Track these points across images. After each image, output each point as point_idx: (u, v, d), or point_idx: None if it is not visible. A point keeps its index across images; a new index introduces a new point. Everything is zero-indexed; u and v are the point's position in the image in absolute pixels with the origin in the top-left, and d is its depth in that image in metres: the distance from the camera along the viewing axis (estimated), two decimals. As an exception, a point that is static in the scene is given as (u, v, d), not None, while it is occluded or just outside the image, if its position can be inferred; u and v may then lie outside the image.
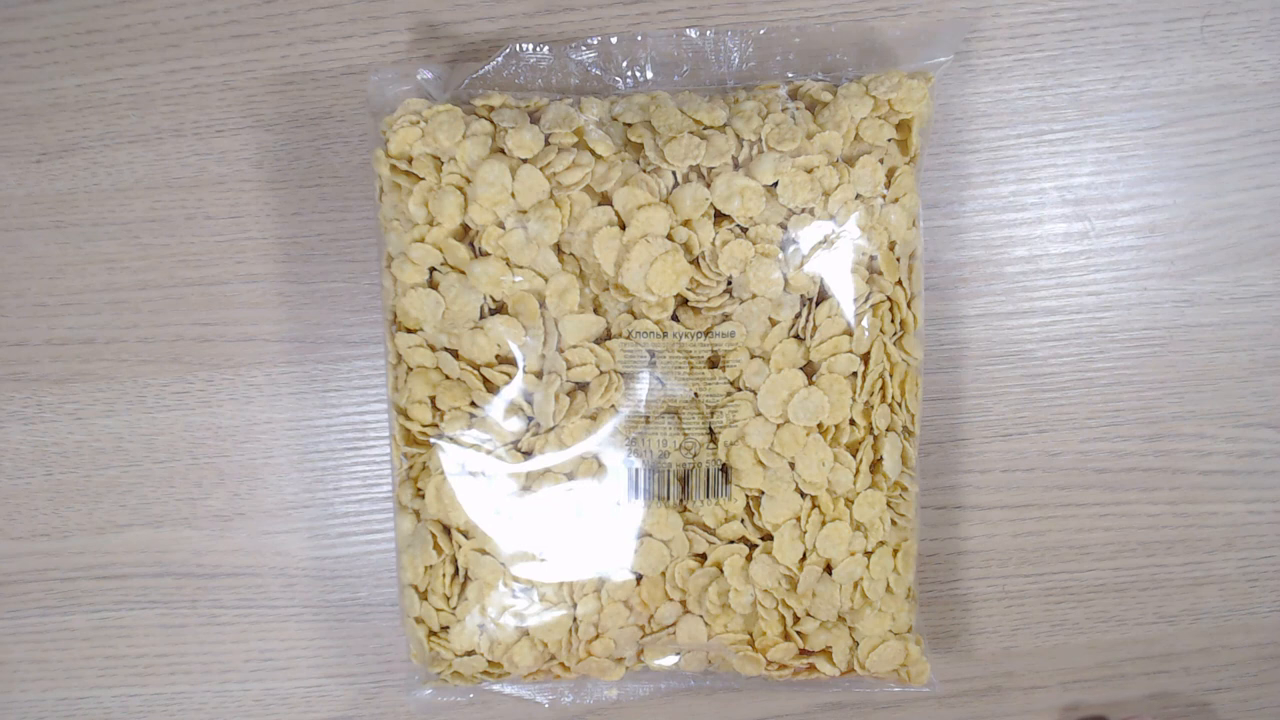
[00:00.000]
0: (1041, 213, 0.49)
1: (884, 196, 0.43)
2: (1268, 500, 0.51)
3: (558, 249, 0.42)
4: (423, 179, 0.42)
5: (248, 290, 0.49)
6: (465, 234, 0.42)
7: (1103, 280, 0.49)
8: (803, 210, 0.42)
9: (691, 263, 0.42)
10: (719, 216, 0.42)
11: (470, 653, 0.45)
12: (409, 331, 0.43)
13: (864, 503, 0.44)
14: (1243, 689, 0.51)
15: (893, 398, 0.44)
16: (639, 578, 0.44)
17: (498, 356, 0.42)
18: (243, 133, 0.48)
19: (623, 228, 0.42)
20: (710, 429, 0.43)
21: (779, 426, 0.43)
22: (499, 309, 0.42)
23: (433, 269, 0.42)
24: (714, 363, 0.43)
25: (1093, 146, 0.49)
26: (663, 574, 0.44)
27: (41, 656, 0.51)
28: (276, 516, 0.50)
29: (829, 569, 0.44)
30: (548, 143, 0.41)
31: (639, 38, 0.45)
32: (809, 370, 0.43)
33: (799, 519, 0.43)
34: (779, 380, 0.42)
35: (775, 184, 0.42)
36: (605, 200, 0.42)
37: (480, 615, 0.44)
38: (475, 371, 0.42)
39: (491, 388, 0.42)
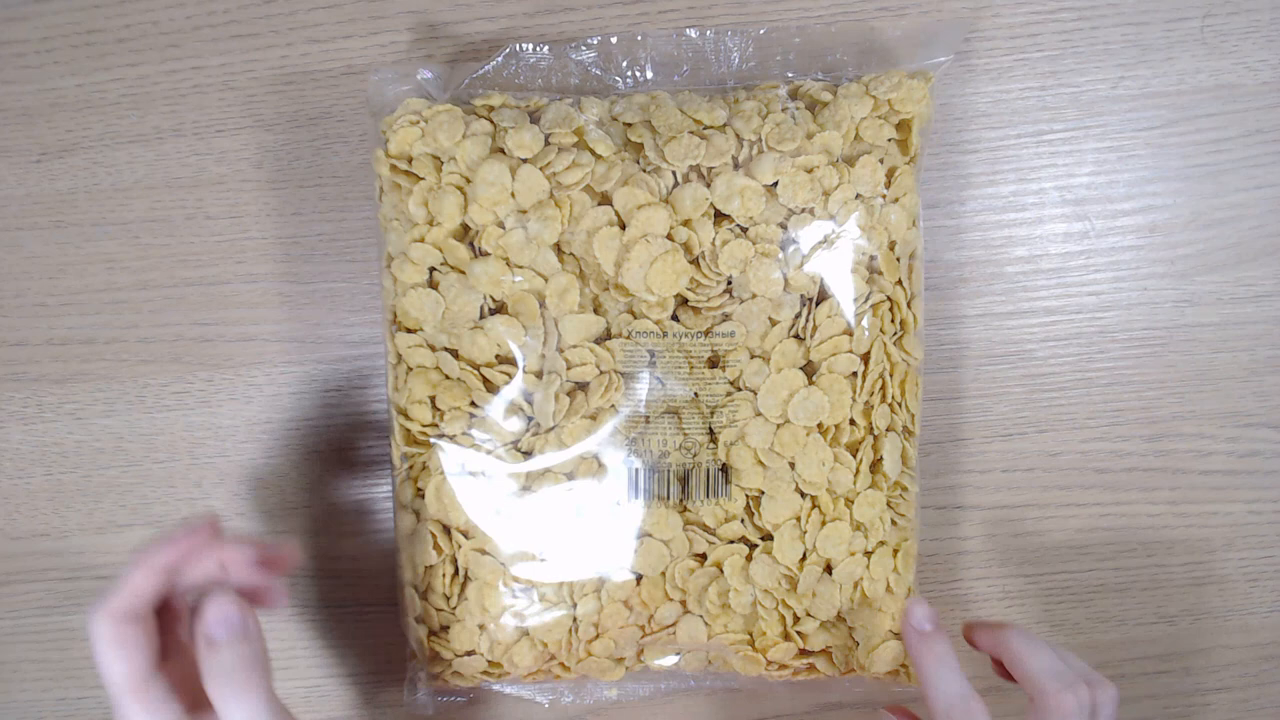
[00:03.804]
0: (1041, 213, 0.49)
1: (884, 196, 0.43)
2: (1268, 500, 0.51)
3: (558, 249, 0.42)
4: (423, 179, 0.42)
5: (248, 290, 0.49)
6: (465, 234, 0.42)
7: (1103, 280, 0.49)
8: (803, 210, 0.42)
9: (691, 263, 0.42)
10: (719, 216, 0.42)
11: (470, 653, 0.45)
12: (409, 331, 0.43)
13: (864, 503, 0.44)
14: (1243, 689, 0.51)
15: (893, 398, 0.44)
16: (639, 578, 0.44)
17: (498, 356, 0.42)
18: (243, 133, 0.48)
19: (623, 228, 0.42)
20: (710, 429, 0.43)
21: (779, 426, 0.43)
22: (499, 309, 0.42)
23: (433, 269, 0.42)
24: (714, 363, 0.43)
25: (1093, 146, 0.49)
26: (663, 574, 0.44)
27: (41, 656, 0.51)
28: (276, 516, 0.50)
29: (829, 569, 0.44)
30: (548, 143, 0.41)
31: (639, 38, 0.45)
32: (809, 370, 0.43)
33: (799, 519, 0.43)
34: (779, 380, 0.42)
35: (775, 184, 0.42)
36: (605, 200, 0.42)
37: (480, 615, 0.44)
38: (475, 371, 0.42)
39: (491, 388, 0.42)
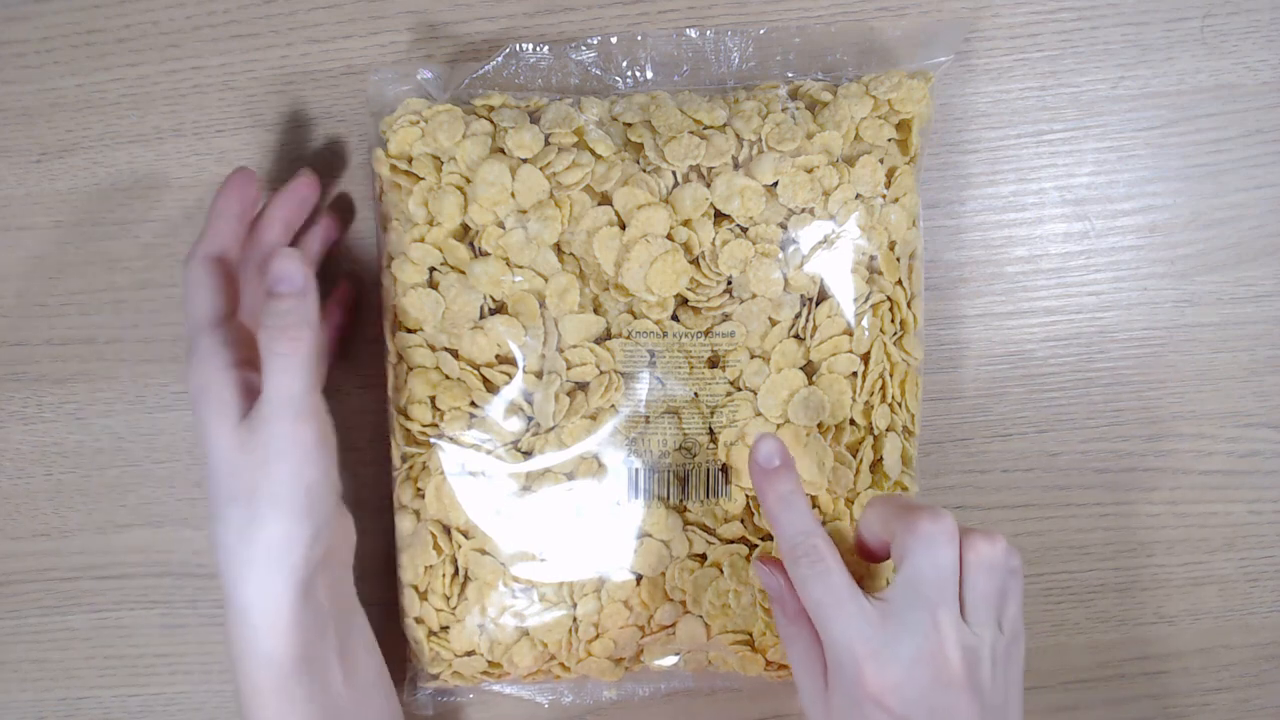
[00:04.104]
0: (1041, 213, 0.49)
1: (884, 196, 0.43)
2: (1268, 500, 0.51)
3: (558, 249, 0.42)
4: (423, 179, 0.42)
5: (248, 290, 0.49)
6: (465, 234, 0.42)
7: (1103, 280, 0.49)
8: (803, 210, 0.42)
9: (691, 263, 0.42)
10: (719, 216, 0.42)
11: (470, 653, 0.45)
12: (409, 331, 0.43)
13: (864, 502, 0.44)
14: (1243, 689, 0.51)
15: (893, 398, 0.44)
16: (639, 578, 0.44)
17: (498, 356, 0.43)
18: (243, 133, 0.48)
19: (623, 228, 0.42)
20: (710, 429, 0.43)
21: (779, 426, 0.43)
22: (499, 309, 0.42)
23: (433, 269, 0.42)
24: (714, 363, 0.43)
25: (1093, 146, 0.49)
26: (663, 574, 0.44)
27: (41, 656, 0.51)
28: (276, 516, 0.50)
29: (829, 569, 0.44)
30: (548, 143, 0.41)
31: (639, 38, 0.45)
32: (809, 370, 0.43)
33: (799, 519, 0.43)
34: (779, 380, 0.42)
35: (775, 184, 0.42)
36: (605, 200, 0.42)
37: (480, 615, 0.44)
38: (475, 371, 0.42)
39: (491, 388, 0.42)
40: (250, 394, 0.38)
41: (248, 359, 0.39)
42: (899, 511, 0.37)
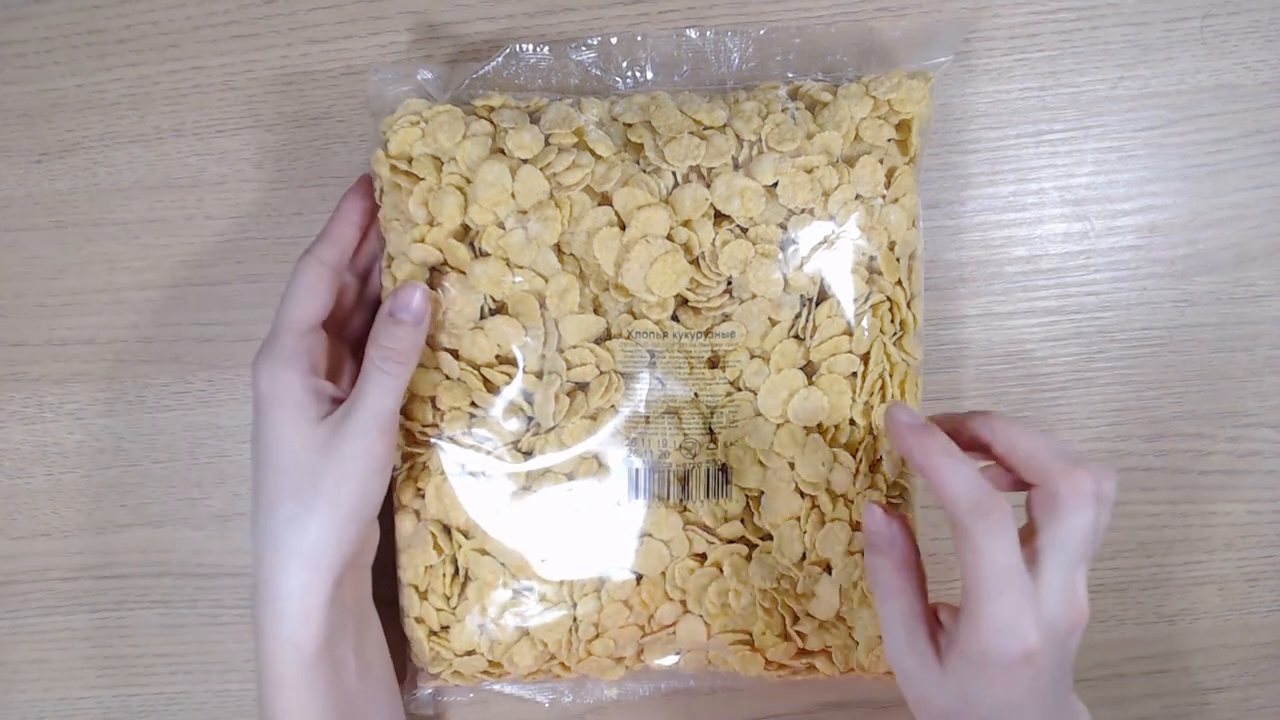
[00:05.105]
0: (1041, 213, 0.49)
1: (884, 197, 0.43)
2: (1268, 500, 0.51)
3: (558, 249, 0.42)
4: (423, 179, 0.42)
5: (248, 290, 0.49)
6: (465, 234, 0.42)
7: (1103, 280, 0.49)
8: (803, 210, 0.42)
9: (691, 263, 0.42)
10: (719, 217, 0.42)
11: (470, 652, 0.45)
12: (409, 331, 0.43)
13: (864, 503, 0.44)
14: (1242, 689, 0.51)
15: (892, 398, 0.44)
16: (639, 577, 0.44)
17: (498, 356, 0.43)
18: (243, 133, 0.48)
19: (623, 228, 0.42)
20: (710, 429, 0.43)
21: (779, 426, 0.43)
22: (499, 309, 0.42)
23: (433, 269, 0.42)
24: (714, 363, 0.43)
25: (1093, 146, 0.49)
26: (663, 574, 0.44)
27: (42, 656, 0.51)
28: (277, 516, 0.50)
29: (828, 569, 0.44)
30: (548, 143, 0.41)
31: (639, 38, 0.45)
32: (809, 370, 0.43)
33: (798, 519, 0.43)
34: (779, 380, 0.42)
35: (775, 184, 0.42)
36: (605, 200, 0.42)
37: (480, 615, 0.44)
38: (475, 371, 0.42)
39: (491, 388, 0.42)
40: (322, 398, 0.40)
41: (324, 366, 0.42)
42: (1057, 460, 0.35)
